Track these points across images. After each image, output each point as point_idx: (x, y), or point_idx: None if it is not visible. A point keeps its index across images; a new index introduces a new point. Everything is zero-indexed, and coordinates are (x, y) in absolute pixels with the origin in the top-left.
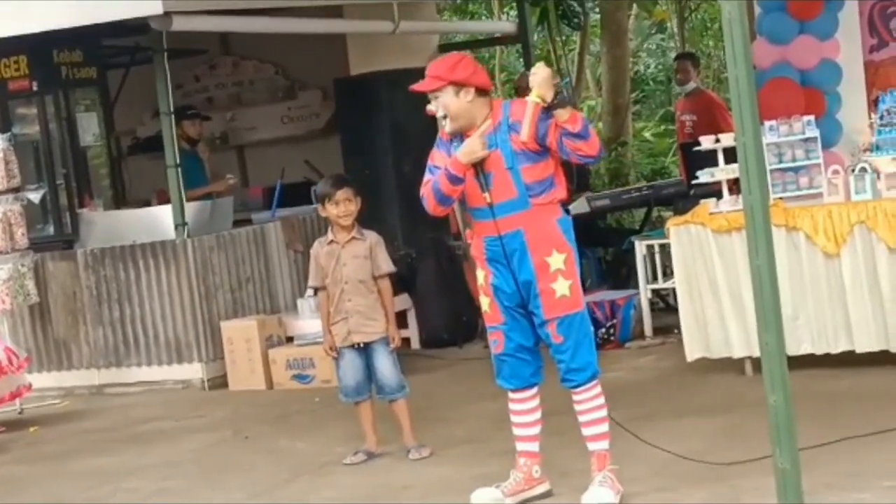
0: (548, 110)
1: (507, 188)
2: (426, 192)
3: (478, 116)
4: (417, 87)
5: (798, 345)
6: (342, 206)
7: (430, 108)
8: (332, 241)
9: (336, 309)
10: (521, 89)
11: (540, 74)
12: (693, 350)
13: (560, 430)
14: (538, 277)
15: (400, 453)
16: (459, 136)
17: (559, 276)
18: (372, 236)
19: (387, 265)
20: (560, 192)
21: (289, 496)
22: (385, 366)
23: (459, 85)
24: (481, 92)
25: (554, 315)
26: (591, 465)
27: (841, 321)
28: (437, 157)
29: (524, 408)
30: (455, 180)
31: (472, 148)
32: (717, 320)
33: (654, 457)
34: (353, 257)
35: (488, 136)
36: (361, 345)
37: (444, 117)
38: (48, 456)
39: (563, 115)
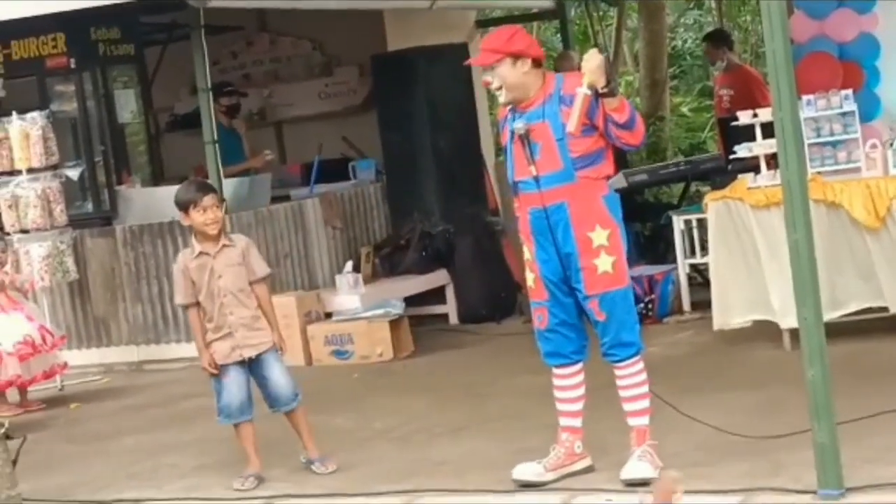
0: (598, 97)
1: (553, 160)
2: None
3: (532, 87)
4: (475, 61)
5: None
6: (210, 213)
7: (487, 78)
8: (201, 253)
9: (216, 325)
10: (561, 71)
11: (593, 61)
12: (723, 320)
13: (599, 404)
14: (580, 252)
15: (436, 428)
16: (513, 109)
17: (602, 251)
18: (242, 240)
19: (261, 268)
20: (607, 167)
21: (338, 466)
22: (278, 375)
23: (516, 56)
24: (536, 63)
25: (595, 291)
26: (631, 440)
27: (887, 288)
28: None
29: (567, 383)
30: None
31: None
32: (755, 293)
33: (693, 431)
34: (228, 266)
35: (537, 108)
36: (249, 358)
37: (499, 88)
38: (89, 432)
39: (611, 103)
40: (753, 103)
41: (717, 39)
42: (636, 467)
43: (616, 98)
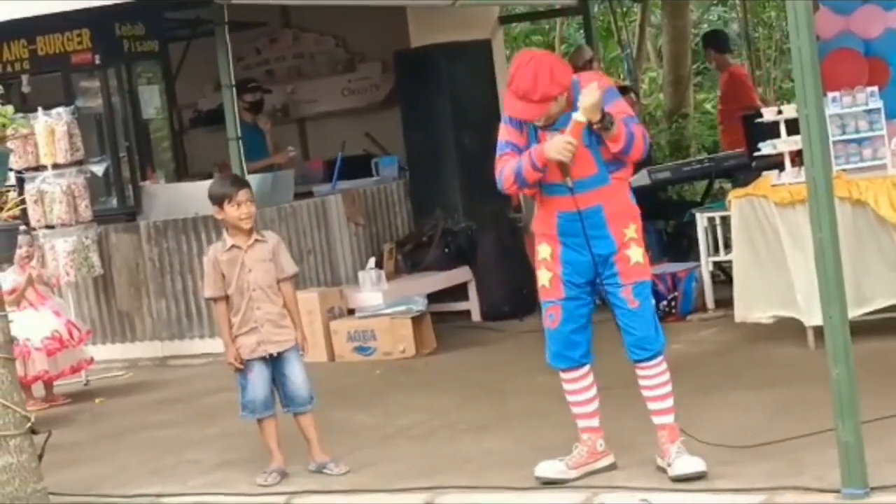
0: (592, 133)
1: (588, 164)
2: (506, 172)
3: (566, 105)
4: (532, 118)
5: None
6: (244, 208)
7: (538, 124)
8: (233, 247)
9: (243, 319)
10: (575, 66)
11: (589, 98)
12: (744, 314)
13: (622, 403)
14: (618, 248)
15: (459, 425)
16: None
17: (632, 243)
18: (272, 237)
19: (290, 267)
20: (631, 167)
21: (350, 467)
22: (297, 375)
23: (563, 92)
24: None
25: (630, 280)
26: (661, 437)
27: None
28: (510, 133)
29: (578, 387)
30: (538, 170)
31: (560, 149)
32: (778, 291)
33: (718, 429)
34: (258, 261)
35: (566, 115)
36: (272, 355)
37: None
38: (113, 427)
39: (607, 134)
40: (736, 103)
41: (704, 44)
42: (688, 462)
43: (611, 129)
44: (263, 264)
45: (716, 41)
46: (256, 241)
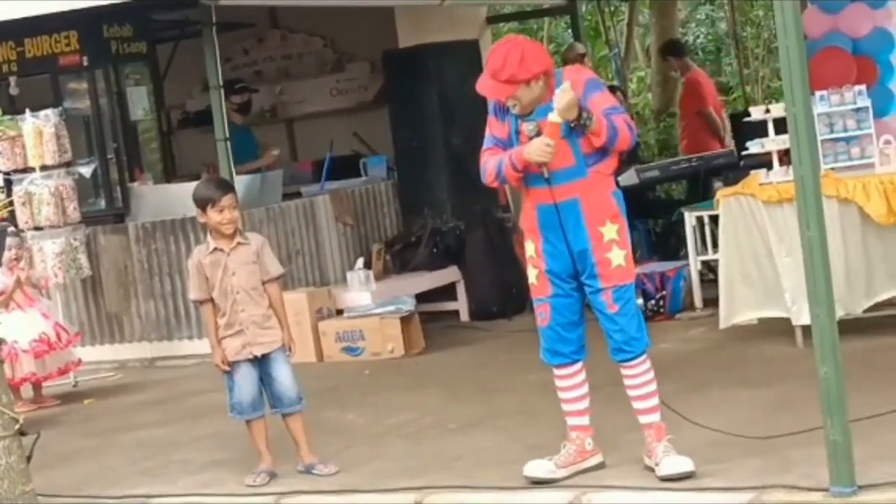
0: (572, 130)
1: (565, 156)
2: (489, 167)
3: (544, 95)
4: (491, 96)
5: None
6: (227, 213)
7: (508, 104)
8: (215, 250)
9: (228, 321)
10: (568, 61)
11: (563, 99)
12: (728, 318)
13: (608, 401)
14: (593, 247)
15: (448, 424)
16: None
17: (614, 245)
18: (256, 239)
19: (275, 268)
20: (614, 161)
21: (340, 467)
22: (284, 375)
23: (532, 80)
24: (546, 73)
25: (610, 284)
26: (648, 436)
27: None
28: (494, 127)
29: (569, 384)
30: (517, 171)
31: (539, 151)
32: (765, 290)
33: (705, 428)
34: (242, 264)
35: (543, 105)
36: (257, 356)
37: (514, 106)
38: (102, 428)
39: (586, 132)
40: (689, 108)
41: (663, 56)
42: (676, 462)
43: (590, 125)
44: (247, 266)
45: (672, 49)
46: (239, 243)
